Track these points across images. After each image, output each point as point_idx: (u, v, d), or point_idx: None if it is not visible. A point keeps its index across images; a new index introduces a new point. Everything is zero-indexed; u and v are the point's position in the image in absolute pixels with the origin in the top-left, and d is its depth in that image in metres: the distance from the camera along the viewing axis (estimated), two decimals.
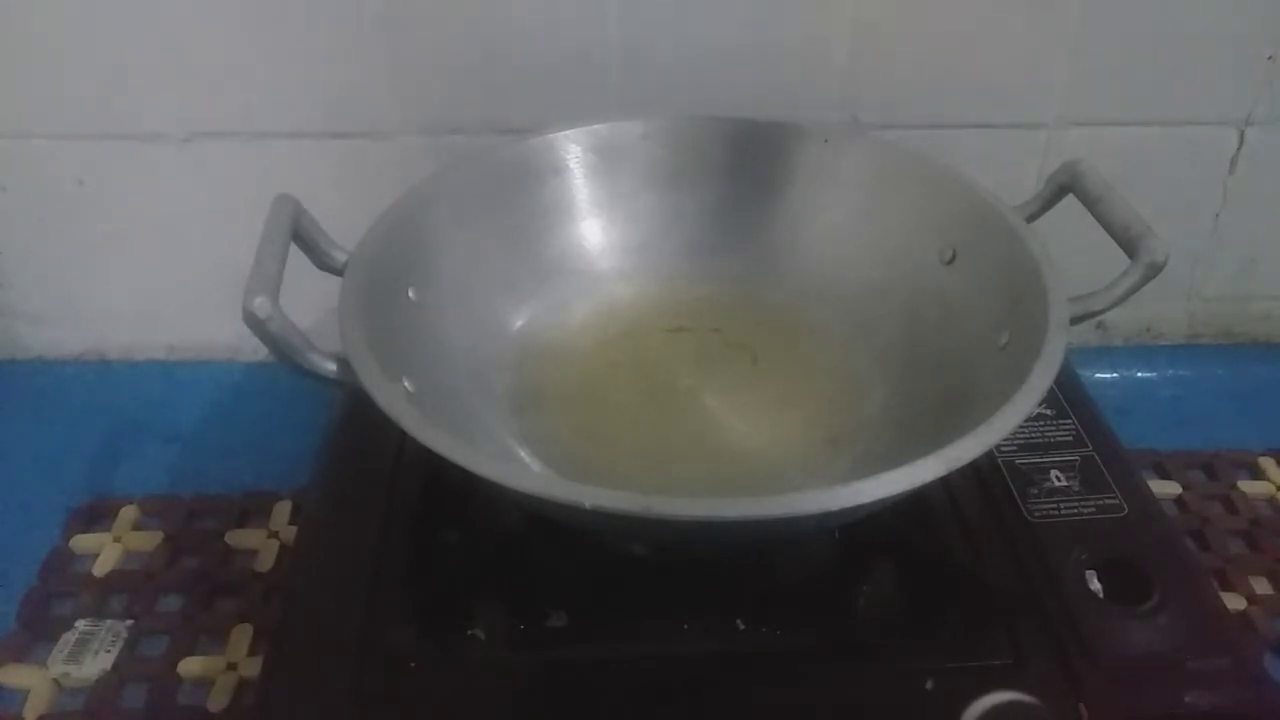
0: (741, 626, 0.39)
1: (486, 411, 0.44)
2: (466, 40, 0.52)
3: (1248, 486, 0.57)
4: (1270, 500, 0.56)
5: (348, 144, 0.55)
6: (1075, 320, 0.38)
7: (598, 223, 0.50)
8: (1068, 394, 0.50)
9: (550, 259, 0.49)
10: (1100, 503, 0.44)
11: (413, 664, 0.38)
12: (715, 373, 0.47)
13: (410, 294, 0.42)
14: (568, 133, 0.49)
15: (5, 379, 0.61)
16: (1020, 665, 0.38)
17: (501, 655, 0.39)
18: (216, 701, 0.45)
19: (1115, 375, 0.64)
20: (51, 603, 0.50)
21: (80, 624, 0.48)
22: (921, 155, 0.47)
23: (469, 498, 0.42)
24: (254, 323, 0.33)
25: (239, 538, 0.53)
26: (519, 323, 0.48)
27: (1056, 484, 0.45)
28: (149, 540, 0.53)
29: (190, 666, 0.47)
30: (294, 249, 0.39)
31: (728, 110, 0.50)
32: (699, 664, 0.38)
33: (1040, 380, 0.34)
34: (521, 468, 0.41)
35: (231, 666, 0.47)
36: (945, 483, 0.31)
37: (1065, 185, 0.42)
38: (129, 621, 0.49)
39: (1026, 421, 0.34)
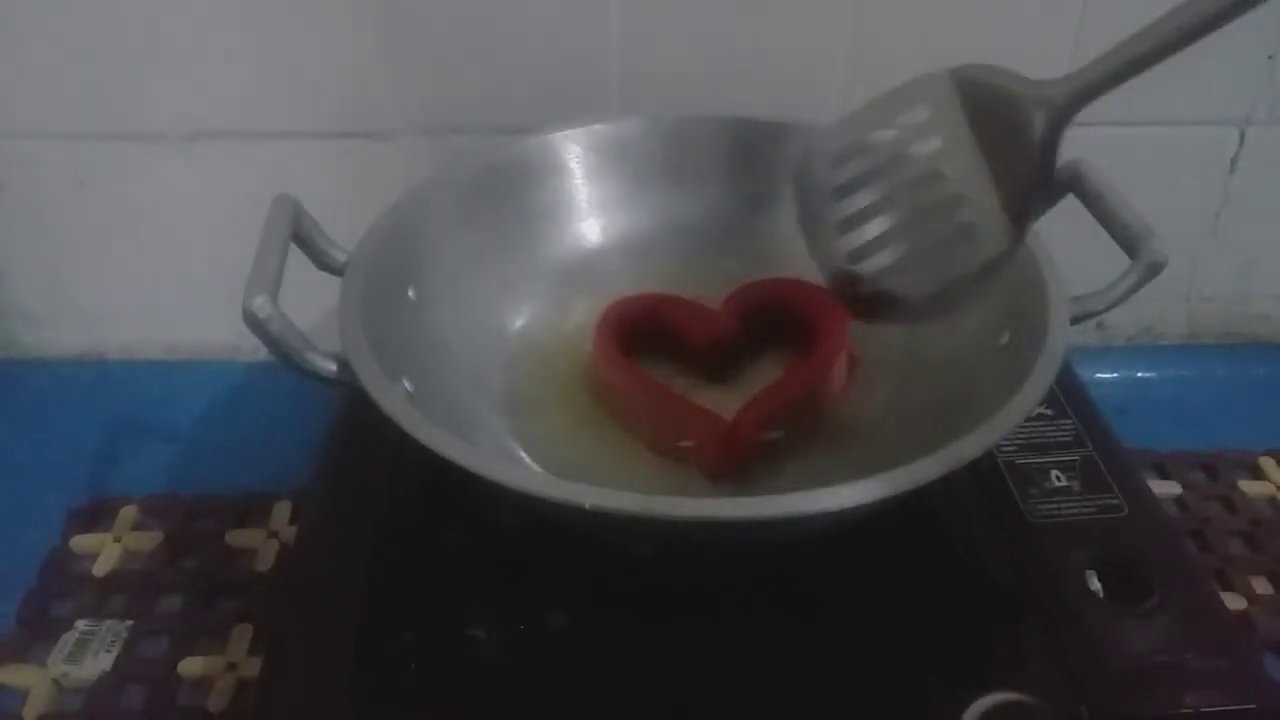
0: (742, 627, 0.39)
1: (486, 411, 0.44)
2: (467, 40, 0.52)
3: (1248, 486, 0.57)
4: (1271, 500, 0.56)
5: (348, 144, 0.55)
6: (1075, 320, 0.38)
7: (598, 223, 0.50)
8: (1068, 394, 0.50)
9: (550, 259, 0.49)
10: (1100, 503, 0.44)
11: (412, 664, 0.38)
12: (715, 372, 0.46)
13: (410, 294, 0.42)
14: (568, 133, 0.49)
15: (4, 379, 0.61)
16: (1020, 665, 0.38)
17: (501, 655, 0.38)
18: (216, 702, 0.45)
19: (1115, 375, 0.64)
20: (51, 603, 0.50)
21: (80, 624, 0.49)
22: None
23: (469, 498, 0.42)
24: (254, 323, 0.33)
25: (239, 538, 0.53)
26: (519, 322, 0.48)
27: (1056, 484, 0.45)
28: (149, 540, 0.53)
29: (190, 667, 0.47)
30: (294, 249, 0.39)
31: (728, 110, 0.50)
32: (699, 664, 0.38)
33: (1040, 380, 0.34)
34: (521, 468, 0.41)
35: (231, 667, 0.47)
36: (945, 483, 0.31)
37: (1065, 185, 0.42)
38: (129, 622, 0.49)
39: (1026, 421, 0.34)
